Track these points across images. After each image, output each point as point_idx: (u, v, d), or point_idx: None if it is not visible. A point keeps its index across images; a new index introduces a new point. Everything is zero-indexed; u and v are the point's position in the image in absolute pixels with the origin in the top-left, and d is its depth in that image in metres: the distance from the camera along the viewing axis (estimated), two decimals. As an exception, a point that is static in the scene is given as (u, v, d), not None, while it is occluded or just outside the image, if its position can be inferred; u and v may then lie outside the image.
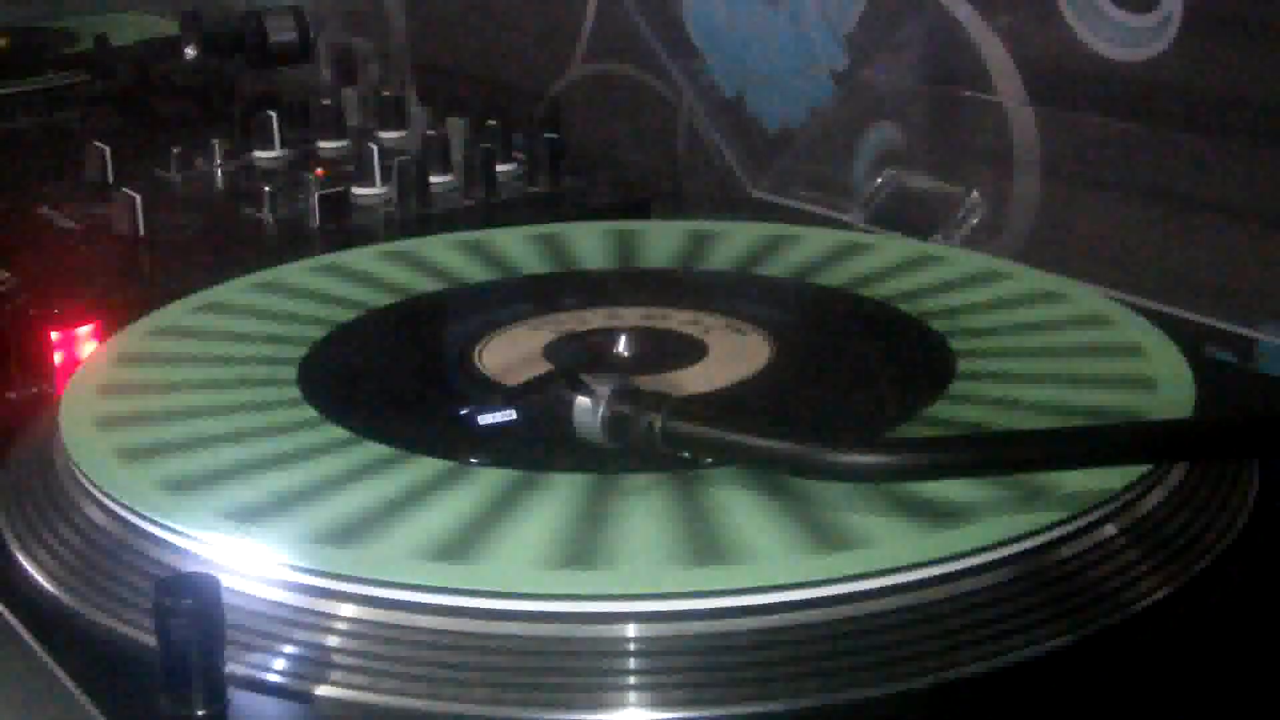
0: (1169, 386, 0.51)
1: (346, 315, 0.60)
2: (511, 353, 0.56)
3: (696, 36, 0.91)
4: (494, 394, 0.51)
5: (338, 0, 1.19)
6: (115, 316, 0.61)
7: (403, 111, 0.92)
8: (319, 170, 0.80)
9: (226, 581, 0.39)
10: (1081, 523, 0.43)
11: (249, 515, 0.44)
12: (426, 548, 0.42)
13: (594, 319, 0.60)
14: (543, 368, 0.54)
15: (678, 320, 0.59)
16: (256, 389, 0.53)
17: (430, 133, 0.84)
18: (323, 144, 0.89)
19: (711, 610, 0.40)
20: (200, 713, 0.38)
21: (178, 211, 0.77)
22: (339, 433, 0.50)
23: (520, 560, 0.41)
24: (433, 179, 0.80)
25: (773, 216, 0.83)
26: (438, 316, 0.62)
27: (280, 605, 0.41)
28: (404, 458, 0.47)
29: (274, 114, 0.87)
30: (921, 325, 0.58)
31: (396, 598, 0.40)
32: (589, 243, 0.68)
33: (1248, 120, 0.65)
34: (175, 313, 0.60)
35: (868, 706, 0.39)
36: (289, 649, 0.41)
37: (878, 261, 0.64)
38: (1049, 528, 0.42)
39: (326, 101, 0.91)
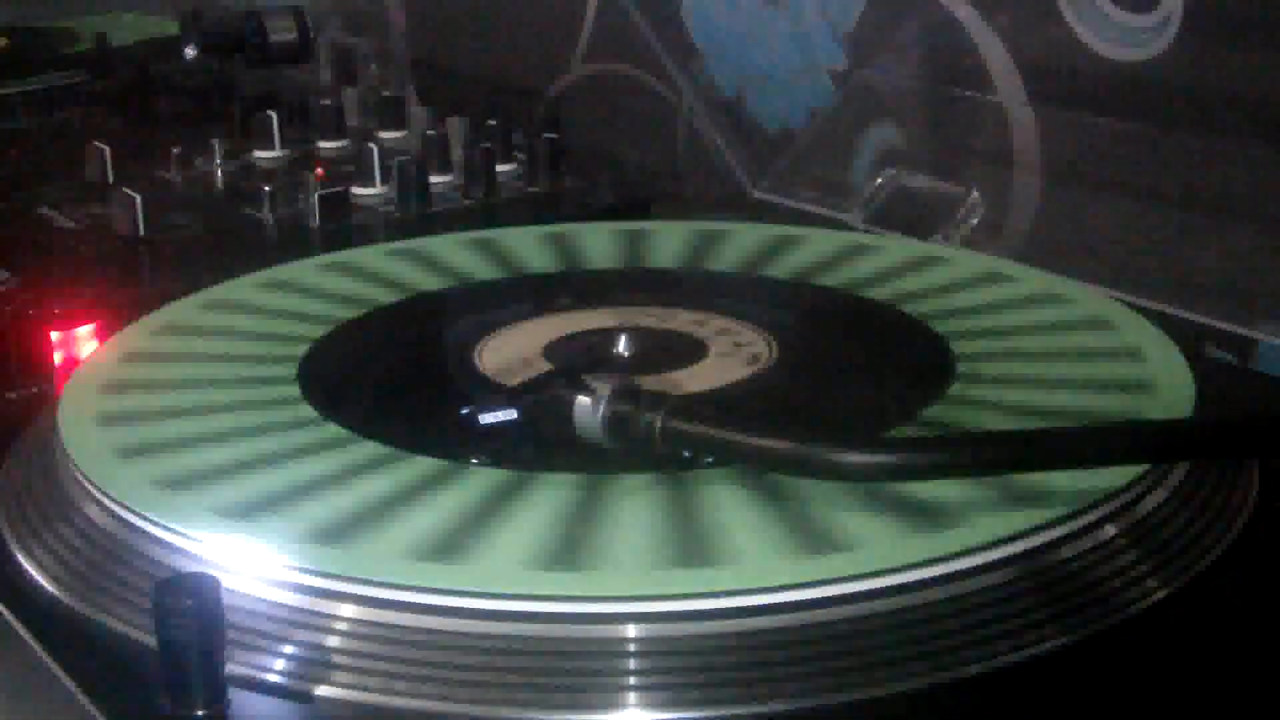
0: (1169, 386, 0.51)
1: (347, 314, 0.60)
2: (511, 353, 0.56)
3: (696, 36, 0.91)
4: (495, 394, 0.51)
5: (338, 0, 1.19)
6: (115, 316, 0.61)
7: (403, 111, 0.92)
8: (319, 170, 0.80)
9: (226, 581, 0.39)
10: (1081, 523, 0.43)
11: (249, 515, 0.44)
12: (425, 547, 0.42)
13: (594, 319, 0.60)
14: (543, 368, 0.54)
15: (678, 320, 0.59)
16: (256, 388, 0.53)
17: (430, 133, 0.84)
18: (323, 144, 0.89)
19: (711, 610, 0.40)
20: (200, 713, 0.38)
21: (178, 211, 0.77)
22: (338, 432, 0.50)
23: (515, 560, 0.41)
24: (433, 179, 0.80)
25: (773, 217, 0.83)
26: (438, 317, 0.62)
27: (280, 605, 0.41)
28: (403, 457, 0.47)
29: (274, 114, 0.87)
30: (922, 325, 0.58)
31: (396, 598, 0.40)
32: (527, 246, 0.68)
33: (1248, 120, 0.65)
34: (175, 312, 0.60)
35: (868, 706, 0.39)
36: (289, 649, 0.41)
37: (811, 255, 0.65)
38: (1049, 528, 0.42)
39: (326, 101, 0.91)
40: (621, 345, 0.58)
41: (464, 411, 0.49)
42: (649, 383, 0.49)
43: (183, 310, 0.61)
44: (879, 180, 0.80)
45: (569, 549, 0.42)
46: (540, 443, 0.48)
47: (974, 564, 0.41)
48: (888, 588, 0.40)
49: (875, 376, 0.57)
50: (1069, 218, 0.73)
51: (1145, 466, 0.45)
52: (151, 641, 0.39)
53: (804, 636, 0.39)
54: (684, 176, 0.92)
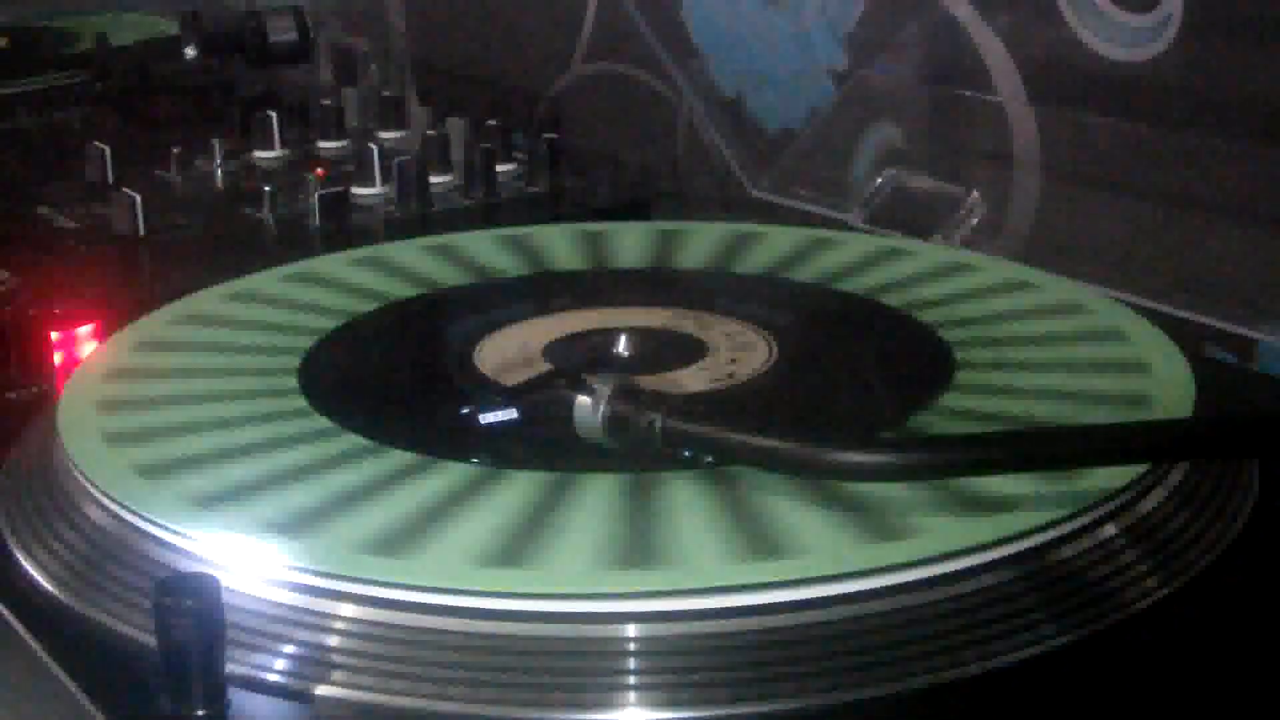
0: (1168, 386, 0.51)
1: (346, 316, 0.60)
2: (511, 352, 0.56)
3: (696, 36, 0.91)
4: (494, 393, 0.51)
5: (338, 0, 1.19)
6: (115, 316, 0.61)
7: (403, 111, 0.92)
8: (319, 170, 0.80)
9: (227, 581, 0.39)
10: (1081, 523, 0.43)
11: (250, 515, 0.44)
12: (424, 546, 0.42)
13: (594, 319, 0.60)
14: (543, 368, 0.54)
15: (680, 321, 0.59)
16: (257, 387, 0.53)
17: (430, 133, 0.85)
18: (323, 144, 0.89)
19: (710, 610, 0.40)
20: (200, 713, 0.38)
21: (178, 211, 0.77)
22: (339, 433, 0.50)
23: (464, 556, 0.41)
24: (433, 179, 0.80)
25: (773, 217, 0.83)
26: (436, 317, 0.62)
27: (280, 605, 0.41)
28: (404, 458, 0.47)
29: (274, 114, 0.87)
30: (926, 329, 0.57)
31: (396, 597, 0.40)
32: (486, 249, 0.67)
33: (1248, 120, 0.65)
34: (175, 312, 0.60)
35: (868, 706, 0.39)
36: (289, 649, 0.41)
37: (846, 257, 0.65)
38: (1049, 527, 0.42)
39: (326, 101, 0.91)
40: (622, 345, 0.58)
41: (464, 411, 0.49)
42: (649, 383, 0.49)
43: (182, 310, 0.61)
44: (879, 180, 0.80)
45: (560, 541, 0.42)
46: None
47: (974, 564, 0.41)
48: (888, 587, 0.40)
49: (874, 382, 0.57)
50: (1069, 218, 0.73)
51: (1145, 466, 0.45)
52: (151, 641, 0.39)
53: (802, 636, 0.40)
54: (684, 176, 0.92)
